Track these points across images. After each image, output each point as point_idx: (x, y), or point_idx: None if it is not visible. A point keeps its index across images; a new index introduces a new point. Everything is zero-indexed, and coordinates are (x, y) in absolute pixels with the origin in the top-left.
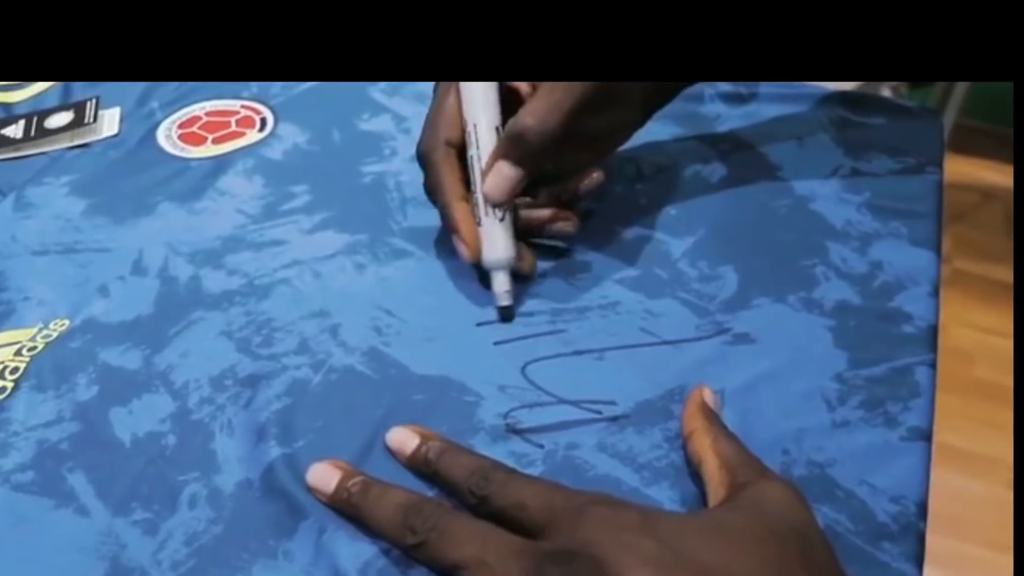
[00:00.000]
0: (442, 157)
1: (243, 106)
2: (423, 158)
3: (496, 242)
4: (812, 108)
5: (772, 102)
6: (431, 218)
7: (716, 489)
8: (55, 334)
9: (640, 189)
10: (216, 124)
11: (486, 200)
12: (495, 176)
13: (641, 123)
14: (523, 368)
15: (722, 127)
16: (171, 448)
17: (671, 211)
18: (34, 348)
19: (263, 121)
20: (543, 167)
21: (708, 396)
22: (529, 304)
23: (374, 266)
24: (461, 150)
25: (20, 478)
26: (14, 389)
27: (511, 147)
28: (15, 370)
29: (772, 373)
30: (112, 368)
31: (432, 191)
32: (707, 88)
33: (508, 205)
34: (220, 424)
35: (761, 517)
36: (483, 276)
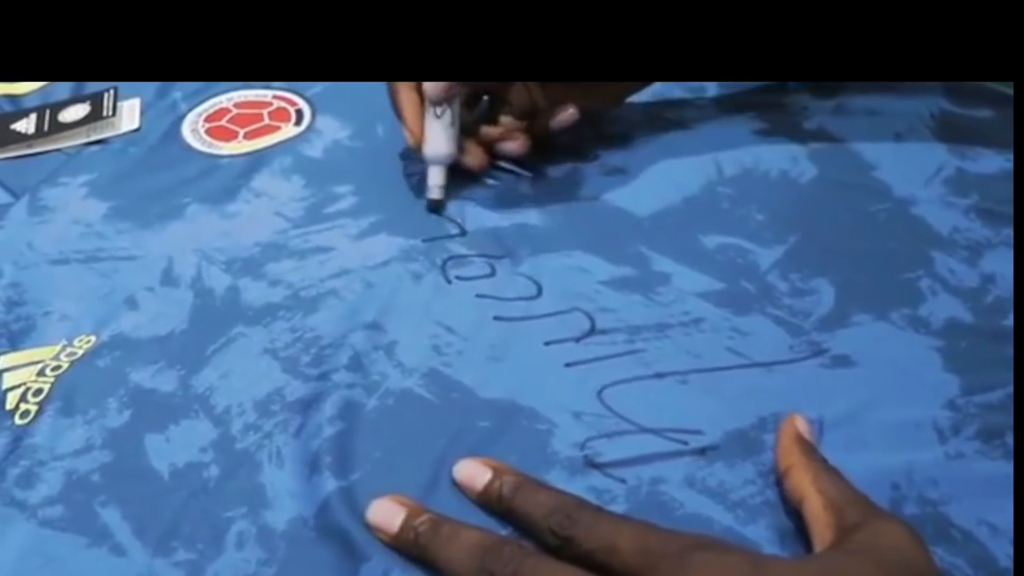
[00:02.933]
0: None
1: (275, 97)
2: None
3: (435, 138)
4: (909, 100)
5: (864, 93)
6: (492, 220)
7: (822, 531)
8: (80, 352)
9: (721, 192)
10: (247, 117)
11: (427, 97)
12: None
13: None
14: (599, 392)
15: (810, 121)
16: (214, 480)
17: (757, 216)
18: (58, 367)
19: (299, 114)
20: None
21: (802, 426)
22: (603, 320)
23: (432, 275)
24: None
25: (48, 513)
26: (38, 413)
27: None
28: (39, 392)
29: (876, 400)
30: (145, 390)
31: (390, 85)
32: None
33: (444, 103)
34: (268, 454)
35: (878, 562)
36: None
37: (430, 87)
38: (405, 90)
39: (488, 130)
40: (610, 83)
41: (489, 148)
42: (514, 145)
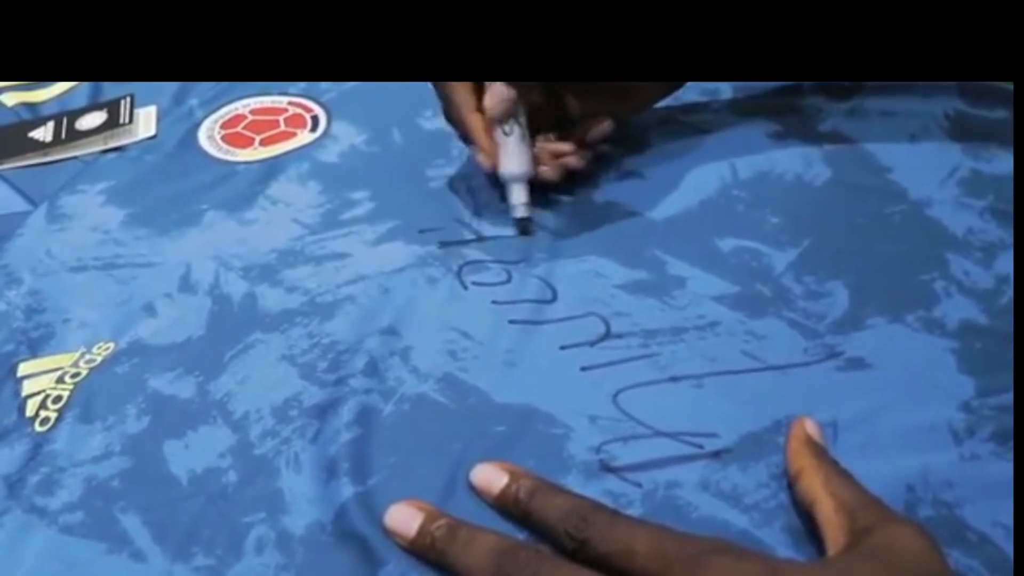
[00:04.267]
0: None
1: (291, 103)
2: None
3: (509, 155)
4: (924, 101)
5: (879, 95)
6: (508, 226)
7: (834, 534)
8: (99, 359)
9: (736, 194)
10: (263, 123)
11: (487, 115)
12: (491, 92)
13: (668, 85)
14: (615, 396)
15: (824, 124)
16: (232, 486)
17: (771, 219)
18: (77, 374)
19: (315, 120)
20: (537, 94)
21: (812, 429)
22: (618, 325)
23: (447, 281)
24: None
25: (69, 519)
26: (58, 420)
27: None
28: (58, 399)
29: (890, 402)
30: (163, 397)
31: (449, 107)
32: None
33: (506, 120)
34: (286, 459)
35: (892, 565)
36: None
37: (490, 106)
38: (469, 111)
39: (555, 146)
40: (639, 89)
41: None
42: (576, 160)
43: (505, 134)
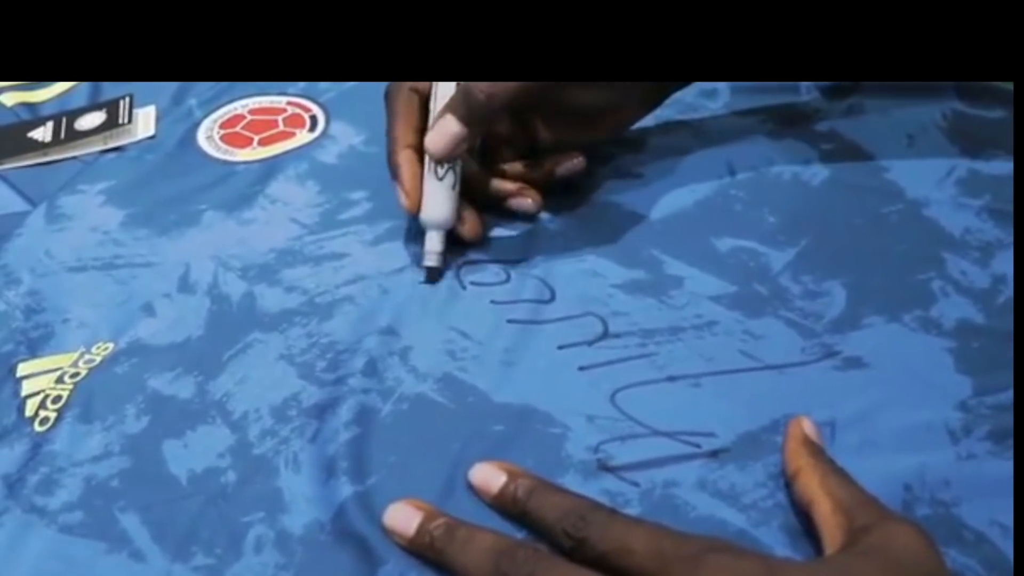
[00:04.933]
0: (402, 102)
1: (290, 103)
2: (386, 100)
3: (433, 201)
4: (922, 101)
5: (876, 94)
6: (508, 228)
7: (832, 534)
8: (99, 358)
9: (733, 194)
10: (262, 124)
11: (428, 153)
12: (438, 130)
13: (642, 108)
14: (612, 396)
15: (822, 123)
16: (232, 486)
17: (769, 218)
18: (77, 374)
19: (313, 120)
20: (486, 129)
21: (809, 429)
22: (616, 324)
23: (446, 281)
24: (426, 100)
25: (68, 519)
26: (57, 420)
27: (459, 103)
28: (57, 399)
29: (887, 401)
30: (163, 397)
31: (386, 138)
32: None
33: (448, 161)
34: (285, 459)
35: (889, 564)
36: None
37: (433, 144)
38: (404, 148)
39: (502, 184)
40: (613, 113)
41: (500, 202)
42: (529, 203)
43: (438, 178)
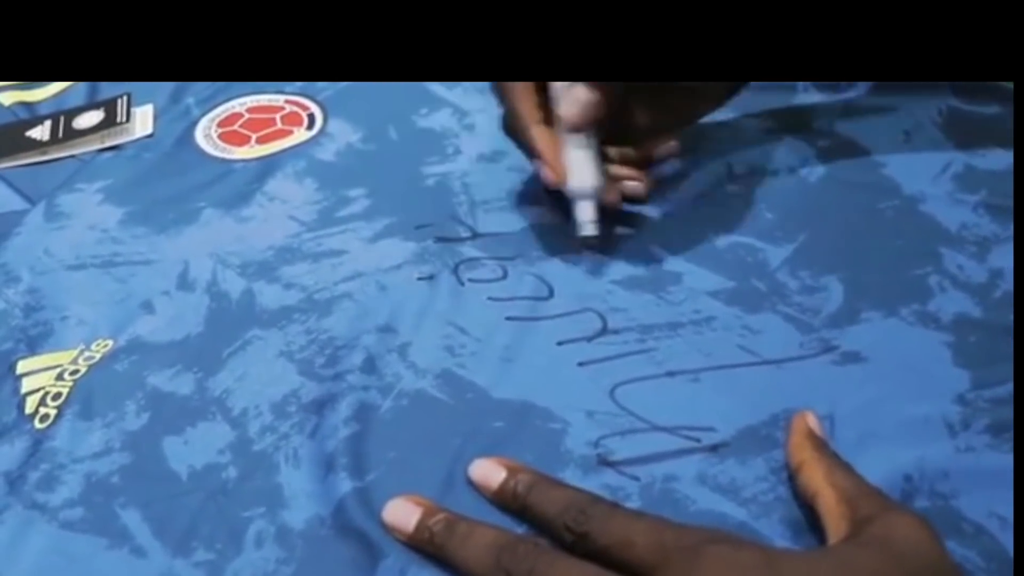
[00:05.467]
0: (520, 83)
1: (287, 101)
2: (498, 87)
3: (581, 169)
4: (918, 98)
5: (872, 91)
6: (504, 223)
7: (836, 524)
8: (98, 356)
9: (732, 191)
10: (259, 122)
11: (564, 124)
12: (571, 99)
13: (729, 90)
14: (612, 391)
15: (819, 120)
16: (232, 481)
17: (767, 215)
18: (76, 372)
19: (311, 118)
20: (616, 98)
21: (813, 423)
22: (615, 320)
23: (444, 277)
24: None
25: (69, 515)
26: (57, 417)
27: None
28: (57, 396)
29: (886, 395)
30: (163, 393)
31: (511, 119)
32: None
33: (586, 128)
34: (285, 455)
35: (891, 554)
36: (565, 208)
37: (569, 114)
38: (535, 124)
39: (617, 169)
40: (704, 92)
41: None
42: (639, 186)
43: (577, 146)
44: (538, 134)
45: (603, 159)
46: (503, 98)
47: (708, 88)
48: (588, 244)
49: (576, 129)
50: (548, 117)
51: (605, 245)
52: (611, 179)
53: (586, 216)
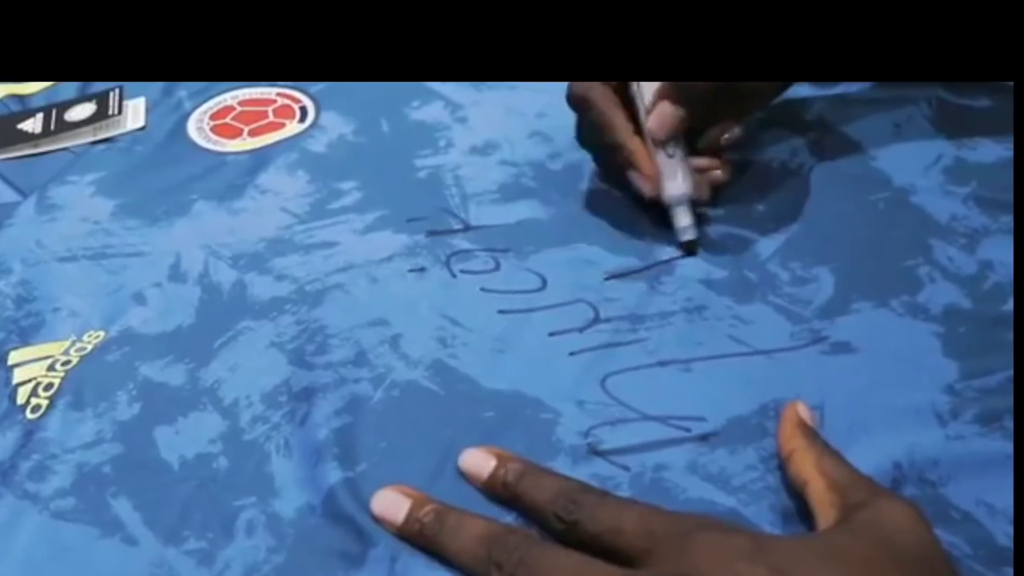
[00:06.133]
0: (603, 95)
1: (279, 94)
2: (579, 100)
3: (675, 176)
4: (908, 90)
5: (863, 84)
6: (496, 215)
7: (826, 511)
8: (90, 347)
9: (723, 182)
10: (251, 115)
11: (654, 136)
12: (660, 114)
13: (781, 88)
14: (603, 381)
15: (810, 112)
16: (223, 471)
17: (758, 206)
18: (68, 362)
19: (303, 111)
20: (701, 111)
21: (804, 412)
22: (607, 310)
23: (436, 270)
24: (616, 90)
25: (61, 504)
26: (49, 407)
27: (672, 87)
28: (49, 386)
29: (876, 385)
30: (154, 384)
31: (598, 131)
32: None
33: (674, 140)
34: (276, 445)
35: (881, 540)
36: (657, 217)
37: (658, 125)
38: (628, 135)
39: (699, 162)
40: (756, 96)
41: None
42: (720, 174)
43: (669, 156)
44: (635, 146)
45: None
46: (587, 110)
47: (760, 88)
48: (690, 249)
49: (663, 142)
50: (637, 128)
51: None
52: (698, 175)
53: (685, 222)
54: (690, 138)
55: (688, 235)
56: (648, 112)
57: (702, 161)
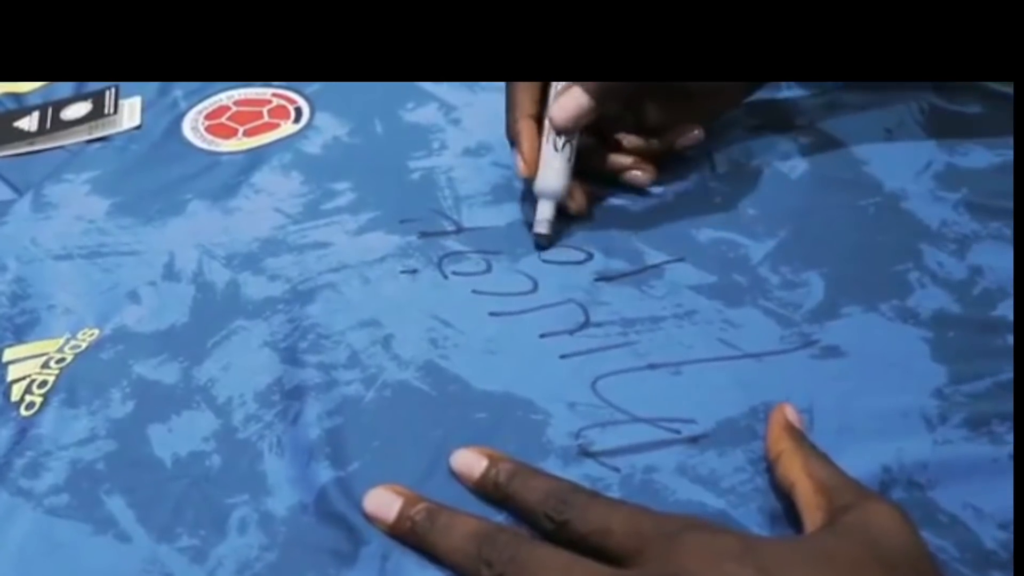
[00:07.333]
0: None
1: (275, 94)
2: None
3: (550, 171)
4: (900, 96)
5: (855, 89)
6: (488, 218)
7: (813, 514)
8: (84, 344)
9: (714, 187)
10: (246, 115)
11: (551, 123)
12: (566, 101)
13: (742, 93)
14: (593, 383)
15: (801, 117)
16: (216, 469)
17: (749, 211)
18: (63, 360)
19: (298, 111)
20: (611, 106)
21: (791, 415)
22: (597, 313)
23: (428, 271)
24: None
25: (54, 501)
26: (43, 404)
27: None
28: (43, 384)
29: (865, 389)
30: (148, 382)
31: (507, 108)
32: None
33: (571, 133)
34: (269, 443)
35: (867, 542)
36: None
37: (558, 114)
38: (524, 118)
39: (617, 158)
40: (713, 99)
41: (615, 175)
42: (643, 176)
43: (556, 149)
44: (524, 127)
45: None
46: (508, 89)
47: (725, 88)
48: (539, 243)
49: (560, 131)
50: (541, 113)
51: (552, 245)
52: (581, 187)
53: (543, 215)
54: (641, 132)
55: (541, 228)
56: (556, 96)
57: (624, 160)
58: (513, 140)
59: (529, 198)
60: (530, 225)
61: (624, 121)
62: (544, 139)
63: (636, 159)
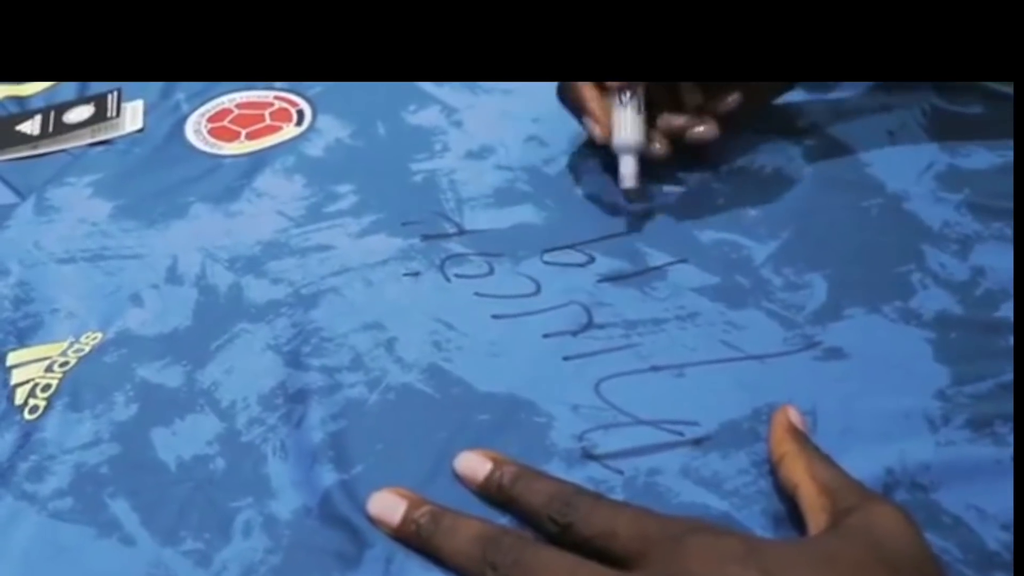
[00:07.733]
0: None
1: (277, 97)
2: None
3: (624, 126)
4: (902, 98)
5: (858, 91)
6: (490, 220)
7: (816, 516)
8: (87, 348)
9: (716, 188)
10: (249, 117)
11: (611, 84)
12: None
13: (769, 96)
14: (596, 385)
15: (804, 119)
16: (220, 472)
17: (751, 212)
18: (66, 363)
19: (300, 114)
20: None
21: (795, 417)
22: (600, 315)
23: (430, 274)
24: None
25: (58, 505)
26: (47, 408)
27: None
28: (47, 387)
29: (867, 391)
30: (152, 385)
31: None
32: None
33: (632, 90)
34: (272, 447)
35: (871, 544)
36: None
37: None
38: (581, 86)
39: (670, 118)
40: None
41: (673, 139)
42: (704, 128)
43: (621, 103)
44: (588, 92)
45: (650, 118)
46: None
47: (753, 87)
48: (629, 197)
49: (622, 88)
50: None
51: (641, 198)
52: (663, 134)
53: (628, 170)
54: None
55: (627, 183)
56: None
57: (676, 119)
58: (574, 110)
59: (611, 163)
60: (528, 225)
61: (662, 106)
62: (610, 97)
63: (694, 116)
